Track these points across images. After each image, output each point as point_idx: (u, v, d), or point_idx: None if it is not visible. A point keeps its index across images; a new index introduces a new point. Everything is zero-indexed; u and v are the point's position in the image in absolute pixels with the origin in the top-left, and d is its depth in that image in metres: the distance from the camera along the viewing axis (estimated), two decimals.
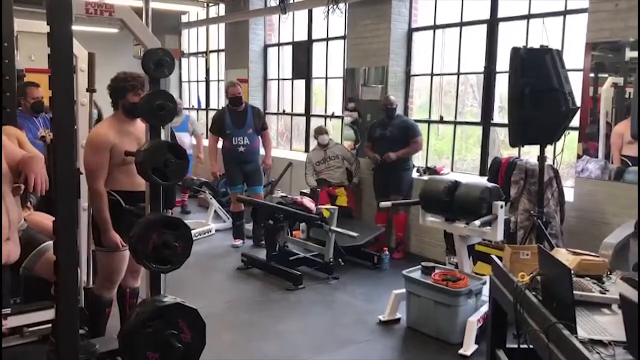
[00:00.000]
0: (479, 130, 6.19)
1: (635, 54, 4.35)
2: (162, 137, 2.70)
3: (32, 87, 4.88)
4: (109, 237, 3.30)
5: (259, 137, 6.46)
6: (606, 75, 4.60)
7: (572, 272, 2.33)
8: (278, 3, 7.87)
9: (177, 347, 2.43)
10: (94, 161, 3.28)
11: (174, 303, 2.52)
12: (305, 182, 6.72)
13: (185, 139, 7.66)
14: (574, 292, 2.14)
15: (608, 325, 2.11)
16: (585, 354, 1.84)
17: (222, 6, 9.59)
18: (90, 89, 3.70)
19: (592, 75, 4.67)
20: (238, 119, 6.29)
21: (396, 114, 6.12)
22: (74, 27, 2.23)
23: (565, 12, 5.13)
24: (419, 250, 6.16)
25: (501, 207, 3.93)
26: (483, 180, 4.96)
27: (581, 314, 2.19)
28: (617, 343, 1.95)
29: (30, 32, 3.74)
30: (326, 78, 8.03)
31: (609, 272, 2.66)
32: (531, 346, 2.35)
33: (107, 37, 9.55)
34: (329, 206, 5.79)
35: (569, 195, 4.82)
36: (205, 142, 8.04)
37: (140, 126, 3.40)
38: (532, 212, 4.41)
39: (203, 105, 10.99)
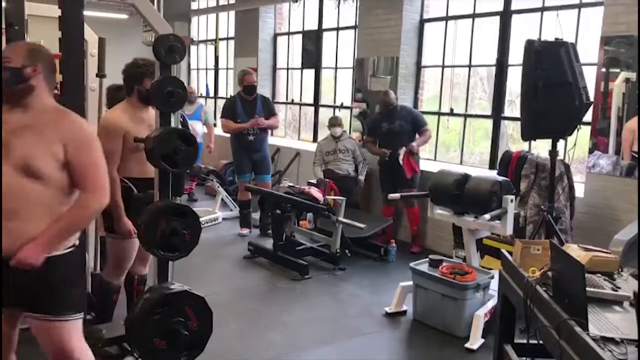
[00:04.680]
0: (487, 123, 6.14)
1: None
2: (172, 123, 2.68)
3: None
4: (122, 223, 3.28)
5: None
6: (618, 70, 4.54)
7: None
8: None
9: (184, 335, 2.43)
10: (106, 147, 3.25)
11: (182, 290, 2.52)
12: (312, 171, 6.68)
13: (197, 127, 7.67)
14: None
15: (620, 323, 2.09)
16: (598, 352, 1.81)
17: None
18: (100, 74, 3.69)
19: (604, 70, 4.62)
20: (249, 108, 6.27)
21: (399, 107, 5.98)
22: (84, 13, 2.22)
23: (580, 5, 5.06)
24: (432, 245, 6.07)
25: (511, 201, 3.90)
26: (493, 174, 4.92)
27: (592, 310, 2.17)
28: (629, 341, 1.93)
29: (41, 16, 3.72)
30: (336, 68, 7.98)
31: (620, 269, 2.64)
32: (540, 342, 2.33)
33: (117, 23, 9.53)
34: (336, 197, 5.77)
35: (580, 191, 4.78)
36: (217, 132, 8.03)
37: (152, 113, 3.39)
38: (542, 206, 4.37)
39: (212, 94, 10.97)
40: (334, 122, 6.58)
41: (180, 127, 6.70)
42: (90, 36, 3.60)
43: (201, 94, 11.21)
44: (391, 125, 5.92)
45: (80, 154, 2.21)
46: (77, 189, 2.25)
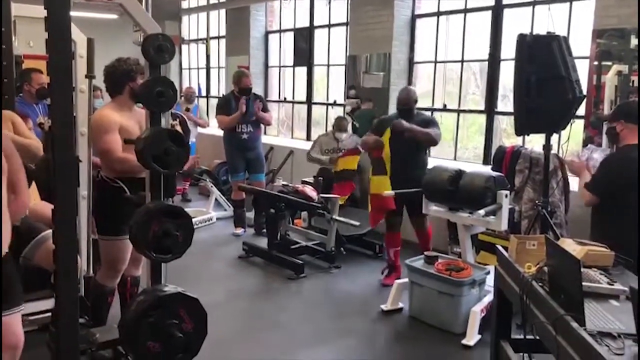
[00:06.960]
0: (480, 118, 6.13)
1: None
2: (162, 124, 2.65)
3: (36, 73, 4.85)
4: None
5: (261, 124, 6.46)
6: (610, 63, 4.54)
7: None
8: None
9: (178, 337, 2.40)
10: (107, 139, 3.23)
11: (175, 292, 2.49)
12: (307, 158, 6.53)
13: (191, 127, 7.66)
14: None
15: (616, 317, 2.08)
16: (595, 347, 1.80)
17: None
18: (89, 75, 3.65)
19: (596, 62, 4.61)
20: None
21: (417, 112, 5.04)
22: (73, 13, 2.18)
23: None
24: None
25: (505, 196, 3.89)
26: (487, 169, 4.91)
27: (589, 305, 2.15)
28: (626, 335, 1.91)
29: (29, 17, 3.68)
30: (328, 65, 7.95)
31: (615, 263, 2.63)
32: (536, 337, 2.33)
33: (107, 23, 9.46)
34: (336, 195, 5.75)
35: (574, 185, 4.76)
36: (210, 131, 8.02)
37: (139, 112, 3.36)
38: (536, 201, 4.36)
39: (203, 93, 10.92)
40: (340, 126, 6.50)
41: (179, 126, 6.68)
42: (79, 37, 3.56)
43: None
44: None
45: None
46: None
